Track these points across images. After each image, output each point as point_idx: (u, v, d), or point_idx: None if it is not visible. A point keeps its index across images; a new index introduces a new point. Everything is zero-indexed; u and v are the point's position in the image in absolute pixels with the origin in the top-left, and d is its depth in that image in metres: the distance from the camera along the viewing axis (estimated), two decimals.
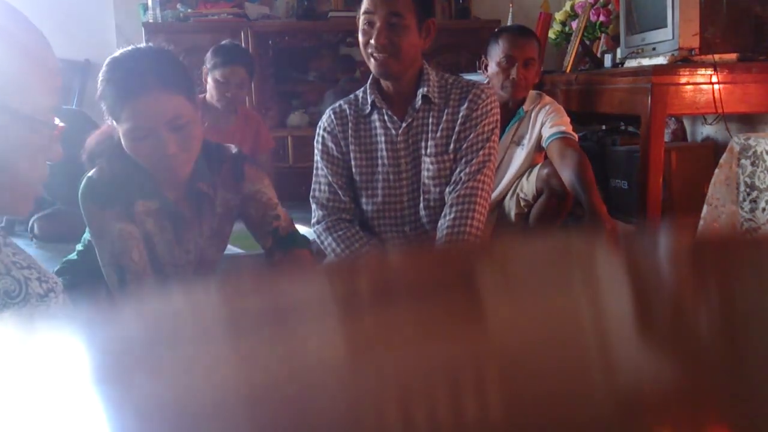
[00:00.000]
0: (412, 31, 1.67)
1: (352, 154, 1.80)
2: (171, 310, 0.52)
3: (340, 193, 1.80)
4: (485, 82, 2.30)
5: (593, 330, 0.43)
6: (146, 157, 1.38)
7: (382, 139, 1.78)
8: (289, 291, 0.56)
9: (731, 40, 2.44)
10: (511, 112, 2.31)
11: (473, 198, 1.71)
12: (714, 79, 2.33)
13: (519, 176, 2.34)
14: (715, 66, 2.32)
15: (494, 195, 2.26)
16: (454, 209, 1.71)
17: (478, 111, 1.74)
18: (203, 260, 1.55)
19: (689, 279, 0.56)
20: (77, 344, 0.46)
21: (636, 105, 2.43)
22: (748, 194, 2.04)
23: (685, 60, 2.38)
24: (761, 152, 1.99)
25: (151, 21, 3.75)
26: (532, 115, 2.31)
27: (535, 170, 2.27)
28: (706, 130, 3.04)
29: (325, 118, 1.83)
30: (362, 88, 1.83)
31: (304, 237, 1.65)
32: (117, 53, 1.40)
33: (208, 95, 2.73)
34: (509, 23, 3.53)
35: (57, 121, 0.96)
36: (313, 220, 1.84)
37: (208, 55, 2.72)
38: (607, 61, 2.96)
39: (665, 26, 2.45)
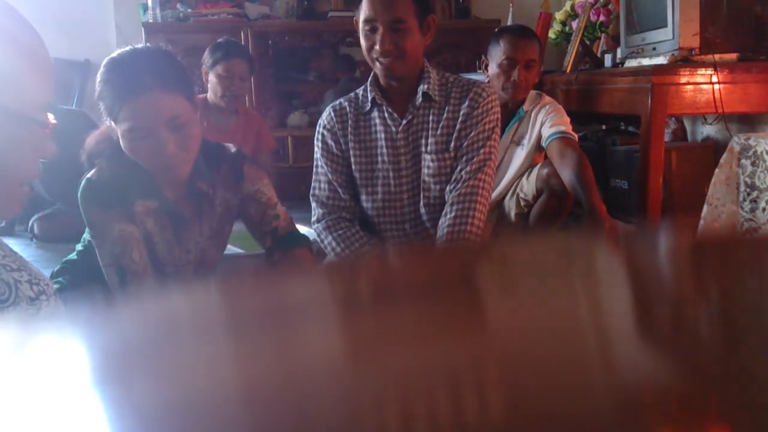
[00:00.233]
0: (415, 32, 1.68)
1: (352, 152, 1.80)
2: (171, 311, 0.52)
3: (340, 191, 1.80)
4: (485, 81, 2.30)
5: (593, 330, 0.44)
6: (145, 157, 1.38)
7: (383, 136, 1.78)
8: (289, 291, 0.56)
9: (731, 40, 2.44)
10: (511, 112, 2.31)
11: (474, 197, 1.71)
12: (714, 78, 2.33)
13: (519, 176, 2.34)
14: (715, 66, 2.32)
15: (494, 195, 2.26)
16: (454, 208, 1.71)
17: (479, 110, 1.74)
18: (203, 260, 1.55)
19: (689, 279, 0.56)
20: (77, 345, 0.46)
21: (636, 105, 2.43)
22: (749, 194, 2.04)
23: (685, 60, 2.38)
24: (761, 152, 1.99)
25: (150, 21, 3.76)
26: (532, 114, 2.31)
27: (535, 170, 2.27)
28: (707, 130, 3.04)
29: (325, 116, 1.83)
30: (362, 86, 1.83)
31: (304, 236, 1.65)
32: (115, 53, 1.40)
33: (209, 95, 2.73)
34: (509, 23, 3.53)
35: (51, 118, 0.95)
36: (313, 219, 1.84)
37: (206, 54, 2.71)
38: (608, 60, 2.96)
39: (665, 26, 2.45)
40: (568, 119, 2.26)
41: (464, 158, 1.74)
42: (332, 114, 1.81)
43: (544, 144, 2.24)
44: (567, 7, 3.37)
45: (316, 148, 1.84)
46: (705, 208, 2.14)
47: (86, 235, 1.57)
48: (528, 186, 2.28)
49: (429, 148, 1.76)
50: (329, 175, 1.80)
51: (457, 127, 1.75)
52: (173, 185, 1.47)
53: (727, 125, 2.59)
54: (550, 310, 0.46)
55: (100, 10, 3.99)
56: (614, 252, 0.66)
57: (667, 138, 2.84)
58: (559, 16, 3.41)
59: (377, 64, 1.70)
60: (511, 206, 2.35)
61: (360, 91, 1.83)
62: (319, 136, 1.83)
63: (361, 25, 1.69)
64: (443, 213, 1.74)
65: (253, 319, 0.48)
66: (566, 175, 2.07)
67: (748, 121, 2.78)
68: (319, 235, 1.81)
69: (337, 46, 4.10)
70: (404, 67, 1.70)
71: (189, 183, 1.47)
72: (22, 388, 0.37)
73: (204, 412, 0.33)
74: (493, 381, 0.36)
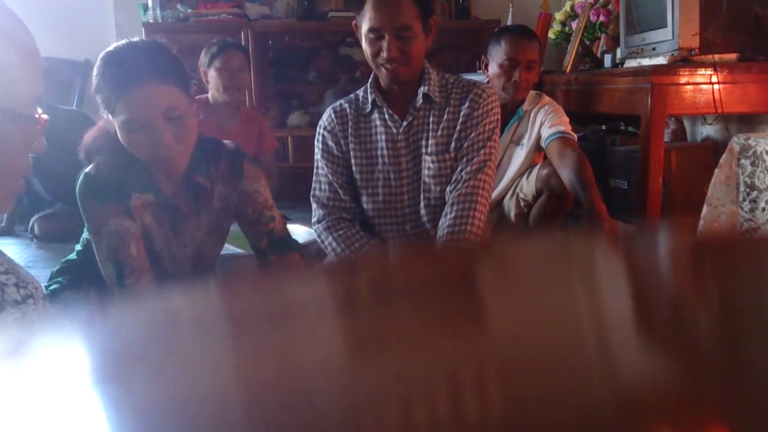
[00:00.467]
0: (420, 37, 1.68)
1: (352, 153, 1.80)
2: (172, 311, 0.52)
3: (340, 192, 1.80)
4: (485, 82, 2.30)
5: (593, 329, 0.44)
6: (142, 148, 1.38)
7: (383, 137, 1.78)
8: (290, 291, 0.56)
9: (731, 40, 2.44)
10: (510, 111, 2.31)
11: (474, 197, 1.71)
12: (714, 79, 2.33)
13: (518, 176, 2.34)
14: (714, 66, 2.32)
15: (494, 195, 2.26)
16: (454, 208, 1.71)
17: (479, 110, 1.74)
18: (202, 255, 1.55)
19: (689, 279, 0.56)
20: (78, 344, 0.46)
21: (636, 105, 2.43)
22: (748, 194, 2.04)
23: (684, 60, 2.38)
24: (761, 152, 2.00)
25: (151, 21, 3.76)
26: (532, 114, 2.31)
27: (535, 170, 2.27)
28: (706, 130, 3.04)
29: (326, 117, 1.83)
30: (362, 88, 1.83)
31: (296, 242, 1.66)
32: (111, 47, 1.41)
33: (210, 94, 2.73)
34: (509, 23, 3.53)
35: (40, 112, 0.94)
36: (314, 219, 1.84)
37: (202, 55, 2.72)
38: (607, 61, 2.96)
39: (665, 26, 2.45)
40: (567, 119, 2.27)
41: (464, 159, 1.74)
42: (332, 115, 1.81)
43: (543, 144, 2.25)
44: (567, 7, 3.37)
45: (316, 149, 1.84)
46: (705, 208, 2.14)
47: (85, 235, 1.57)
48: (528, 186, 2.28)
49: (429, 149, 1.76)
50: (330, 176, 1.80)
51: (458, 128, 1.75)
52: (170, 179, 1.47)
53: (726, 125, 2.60)
54: (549, 310, 0.46)
55: (101, 11, 4.00)
56: (614, 252, 0.66)
57: (666, 138, 2.84)
58: (558, 16, 3.41)
59: (383, 69, 1.70)
60: (510, 206, 2.35)
61: (360, 92, 1.83)
62: (320, 138, 1.83)
63: (364, 31, 1.68)
64: (443, 213, 1.74)
65: (254, 319, 0.48)
66: (566, 175, 2.07)
67: (747, 121, 2.78)
68: (319, 236, 1.81)
69: (337, 46, 4.10)
70: (409, 72, 1.71)
71: (186, 177, 1.47)
72: (23, 388, 0.37)
73: (205, 412, 0.33)
74: (492, 381, 0.36)
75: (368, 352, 0.41)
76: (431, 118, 1.76)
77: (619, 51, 2.83)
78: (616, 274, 0.59)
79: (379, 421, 0.32)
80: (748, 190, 2.04)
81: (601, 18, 3.12)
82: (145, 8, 3.85)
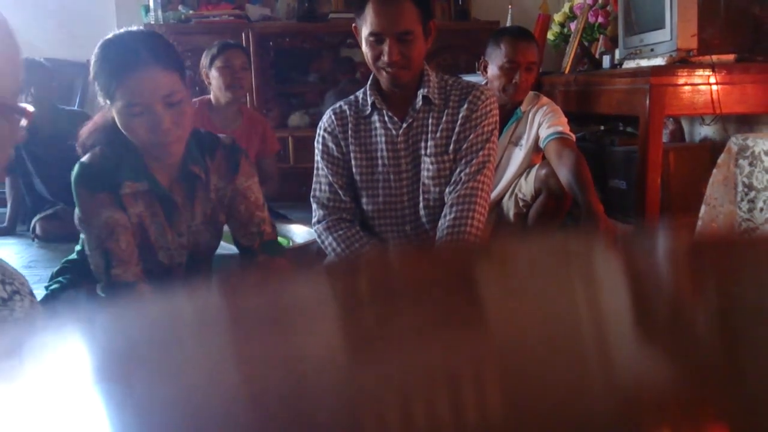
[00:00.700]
0: (420, 40, 1.69)
1: (352, 155, 1.81)
2: (172, 311, 0.52)
3: (340, 193, 1.81)
4: (484, 83, 2.31)
5: (591, 330, 0.43)
6: (141, 133, 1.38)
7: (383, 139, 1.79)
8: (290, 291, 0.56)
9: (729, 41, 2.45)
10: (508, 112, 2.31)
11: (473, 198, 1.72)
12: (712, 79, 2.33)
13: (517, 177, 2.34)
14: (713, 67, 2.32)
15: (493, 195, 2.27)
16: (454, 209, 1.72)
17: (478, 112, 1.75)
18: (198, 246, 1.55)
19: (687, 279, 0.56)
20: (78, 344, 0.46)
21: (634, 106, 2.43)
22: (746, 194, 2.04)
23: (683, 61, 2.39)
24: (759, 152, 2.00)
25: (152, 22, 3.76)
26: (530, 115, 2.31)
27: (534, 171, 2.27)
28: (704, 131, 3.05)
29: (326, 119, 1.84)
30: (362, 90, 1.84)
31: (283, 247, 1.67)
32: (109, 35, 1.42)
33: (212, 95, 2.73)
34: (508, 24, 3.53)
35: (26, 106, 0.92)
36: (314, 220, 1.85)
37: (203, 57, 2.72)
38: (606, 62, 2.96)
39: (663, 27, 2.45)
40: (565, 120, 2.27)
41: (463, 160, 1.75)
42: (332, 117, 1.82)
43: (542, 145, 2.25)
44: (565, 8, 3.37)
45: (316, 151, 1.85)
46: (703, 208, 2.15)
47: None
48: (526, 186, 2.28)
49: (428, 150, 1.77)
50: (330, 178, 1.81)
51: (456, 129, 1.75)
52: (165, 168, 1.48)
53: (724, 126, 2.60)
54: (548, 310, 0.46)
55: (102, 12, 4.00)
56: (611, 252, 0.66)
57: (665, 138, 2.84)
58: (557, 17, 3.41)
59: (383, 73, 1.71)
60: (509, 207, 2.35)
61: (360, 94, 1.84)
62: (320, 139, 1.84)
63: (365, 35, 1.69)
64: (443, 214, 1.74)
65: (255, 319, 0.48)
66: (564, 175, 2.08)
67: (745, 122, 2.78)
68: (319, 236, 1.82)
69: (337, 47, 4.10)
70: (410, 75, 1.72)
71: (181, 166, 1.48)
72: (23, 387, 0.38)
73: (205, 412, 0.33)
74: (492, 381, 0.36)
75: (368, 353, 0.41)
76: (430, 120, 1.77)
77: (617, 52, 2.83)
78: (614, 275, 0.59)
79: (380, 420, 0.33)
80: (746, 190, 2.04)
81: (600, 19, 3.13)
82: (147, 9, 3.85)
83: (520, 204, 2.32)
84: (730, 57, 2.39)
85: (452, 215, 1.71)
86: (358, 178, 1.81)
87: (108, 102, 1.40)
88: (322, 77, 4.11)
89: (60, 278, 1.61)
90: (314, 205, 1.84)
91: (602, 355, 0.40)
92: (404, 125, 1.77)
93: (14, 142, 0.90)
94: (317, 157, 1.84)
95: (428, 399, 0.34)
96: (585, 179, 2.01)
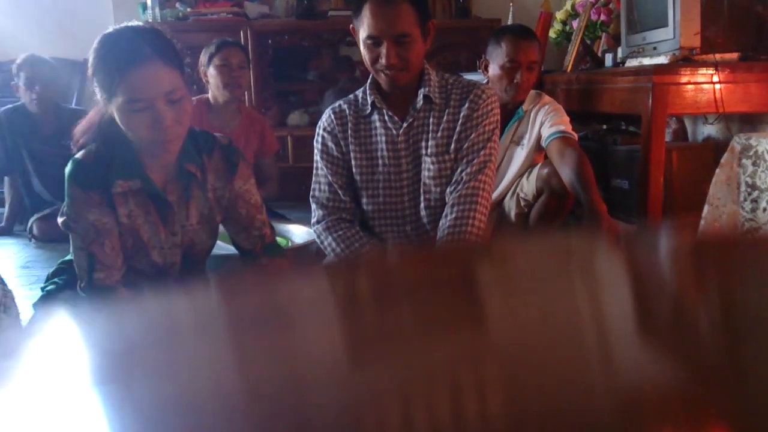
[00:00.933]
0: (418, 41, 1.68)
1: (352, 154, 1.80)
2: (172, 311, 0.52)
3: (340, 192, 1.80)
4: (485, 82, 2.30)
5: (593, 329, 0.44)
6: (142, 130, 1.37)
7: (383, 139, 1.78)
8: (290, 291, 0.56)
9: (732, 40, 2.44)
10: (510, 112, 2.30)
11: (474, 198, 1.71)
12: (715, 78, 2.32)
13: (519, 176, 2.33)
14: (716, 65, 2.32)
15: (494, 195, 2.26)
16: (455, 209, 1.71)
17: (479, 111, 1.74)
18: (192, 246, 1.54)
19: (689, 279, 0.56)
20: (79, 344, 0.46)
21: (637, 104, 2.42)
22: (749, 194, 2.03)
23: (686, 59, 2.38)
24: (762, 152, 1.99)
25: (150, 20, 3.76)
26: (532, 114, 2.31)
27: (535, 170, 2.26)
28: (707, 130, 3.04)
29: (325, 118, 1.83)
30: (362, 89, 1.83)
31: (282, 248, 1.67)
32: (108, 30, 1.40)
33: (211, 94, 2.72)
34: (510, 22, 3.52)
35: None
36: (313, 220, 1.84)
37: (201, 56, 2.72)
38: (608, 60, 2.96)
39: (666, 25, 2.44)
40: (567, 119, 2.26)
41: (464, 160, 1.74)
42: (332, 116, 1.81)
43: (543, 144, 2.24)
44: (567, 6, 3.36)
45: (315, 150, 1.83)
46: (706, 207, 2.14)
47: None
48: (528, 186, 2.28)
49: (429, 150, 1.75)
50: (329, 177, 1.80)
51: (457, 129, 1.74)
52: (160, 166, 1.46)
53: (727, 125, 2.59)
54: (550, 310, 0.46)
55: (100, 10, 4.00)
56: (614, 252, 0.66)
57: (667, 138, 2.84)
58: (559, 15, 3.40)
59: (382, 75, 1.70)
60: (511, 206, 2.34)
61: (359, 93, 1.83)
62: (319, 138, 1.82)
63: (362, 38, 1.68)
64: (444, 214, 1.74)
65: (254, 319, 0.48)
66: (566, 174, 2.07)
67: (748, 121, 2.78)
68: (319, 236, 1.81)
69: (337, 45, 4.09)
70: (408, 76, 1.71)
71: (176, 164, 1.47)
72: (23, 387, 0.37)
73: (206, 411, 0.33)
74: (493, 380, 0.36)
75: (369, 352, 0.41)
76: (431, 120, 1.76)
77: (620, 50, 2.82)
78: (616, 274, 0.60)
79: (380, 420, 0.32)
80: (749, 189, 2.03)
81: (602, 17, 3.12)
82: (144, 7, 3.85)
83: (522, 204, 2.31)
84: (734, 56, 2.38)
85: (453, 215, 1.70)
86: (358, 178, 1.80)
87: (107, 98, 1.38)
88: (322, 75, 4.11)
89: (56, 279, 1.60)
90: (313, 205, 1.83)
91: (605, 354, 0.40)
92: (405, 125, 1.76)
93: None
94: (316, 156, 1.83)
95: (429, 398, 0.34)
96: (588, 178, 2.01)
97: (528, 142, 2.30)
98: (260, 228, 1.57)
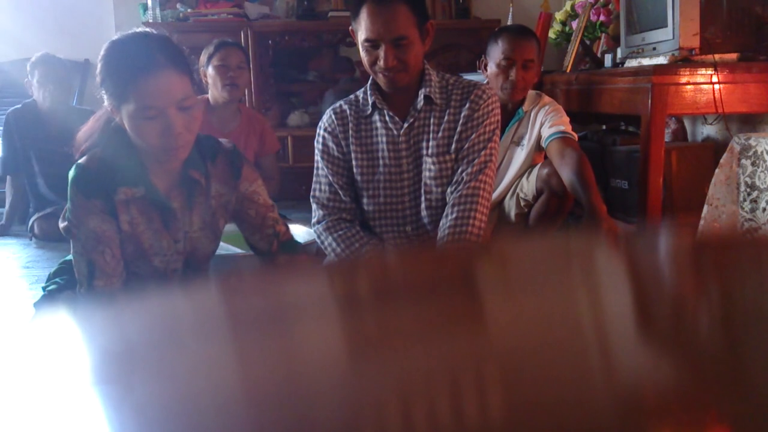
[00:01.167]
0: (417, 43, 1.68)
1: (353, 155, 1.80)
2: (173, 311, 0.52)
3: (340, 192, 1.80)
4: (485, 82, 2.30)
5: (593, 330, 0.44)
6: (152, 137, 1.36)
7: (384, 139, 1.78)
8: (290, 292, 0.56)
9: (732, 40, 2.44)
10: (510, 112, 2.30)
11: (475, 198, 1.71)
12: (714, 78, 2.32)
13: (519, 176, 2.33)
14: (715, 66, 2.32)
15: (494, 195, 2.26)
16: (455, 209, 1.71)
17: (480, 112, 1.74)
18: (195, 252, 1.54)
19: (689, 279, 0.56)
20: (79, 344, 0.46)
21: (636, 105, 2.43)
22: (749, 194, 2.03)
23: (685, 60, 2.38)
24: (762, 152, 1.99)
25: (150, 21, 3.76)
26: (532, 115, 2.31)
27: (535, 170, 2.26)
28: (707, 130, 3.04)
29: (326, 118, 1.83)
30: (362, 89, 1.83)
31: (301, 244, 1.66)
32: (115, 37, 1.40)
33: (210, 94, 2.72)
34: (509, 23, 3.52)
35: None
36: (314, 220, 1.84)
37: (202, 54, 2.71)
38: (608, 60, 2.96)
39: (665, 26, 2.44)
40: (567, 119, 2.26)
41: (465, 160, 1.74)
42: (333, 116, 1.81)
43: (543, 144, 2.24)
44: (567, 7, 3.36)
45: (316, 150, 1.84)
46: (705, 208, 2.14)
47: None
48: (528, 186, 2.28)
49: (430, 150, 1.76)
50: (330, 177, 1.80)
51: (458, 129, 1.75)
52: (165, 173, 1.46)
53: (727, 125, 2.59)
54: (550, 310, 0.46)
55: (100, 10, 4.00)
56: (613, 252, 0.66)
57: (667, 138, 2.84)
58: (559, 16, 3.40)
59: (381, 76, 1.70)
60: (511, 206, 2.35)
61: (360, 93, 1.83)
62: (320, 139, 1.83)
63: (361, 40, 1.68)
64: (444, 214, 1.74)
65: (256, 319, 0.48)
66: (566, 174, 2.07)
67: (748, 121, 2.78)
68: (319, 236, 1.81)
69: (337, 46, 4.10)
70: (407, 78, 1.71)
71: (181, 171, 1.47)
72: (23, 387, 0.37)
73: (206, 411, 0.33)
74: (493, 380, 0.37)
75: (369, 352, 0.41)
76: (432, 120, 1.76)
77: (619, 51, 2.82)
78: (616, 275, 0.60)
79: (381, 420, 0.32)
80: (748, 190, 2.03)
81: (602, 18, 3.12)
82: (145, 8, 3.85)
83: (522, 204, 2.31)
84: (733, 56, 2.38)
85: (454, 215, 1.70)
86: (358, 178, 1.80)
87: (116, 105, 1.37)
88: (322, 76, 4.11)
89: (57, 279, 1.60)
90: (314, 205, 1.83)
91: (605, 355, 0.40)
92: (405, 125, 1.76)
93: None
94: (317, 156, 1.83)
95: (429, 398, 0.34)
96: (587, 179, 2.01)
97: (528, 142, 2.30)
98: (273, 226, 1.56)
